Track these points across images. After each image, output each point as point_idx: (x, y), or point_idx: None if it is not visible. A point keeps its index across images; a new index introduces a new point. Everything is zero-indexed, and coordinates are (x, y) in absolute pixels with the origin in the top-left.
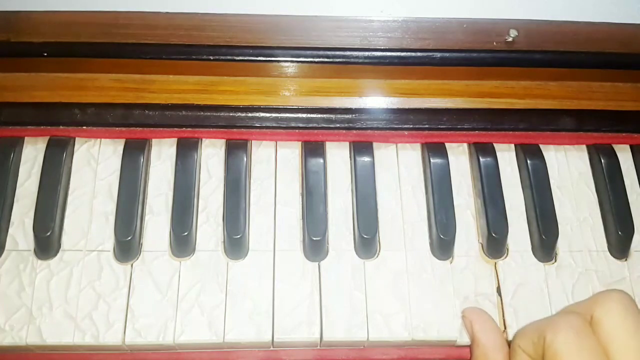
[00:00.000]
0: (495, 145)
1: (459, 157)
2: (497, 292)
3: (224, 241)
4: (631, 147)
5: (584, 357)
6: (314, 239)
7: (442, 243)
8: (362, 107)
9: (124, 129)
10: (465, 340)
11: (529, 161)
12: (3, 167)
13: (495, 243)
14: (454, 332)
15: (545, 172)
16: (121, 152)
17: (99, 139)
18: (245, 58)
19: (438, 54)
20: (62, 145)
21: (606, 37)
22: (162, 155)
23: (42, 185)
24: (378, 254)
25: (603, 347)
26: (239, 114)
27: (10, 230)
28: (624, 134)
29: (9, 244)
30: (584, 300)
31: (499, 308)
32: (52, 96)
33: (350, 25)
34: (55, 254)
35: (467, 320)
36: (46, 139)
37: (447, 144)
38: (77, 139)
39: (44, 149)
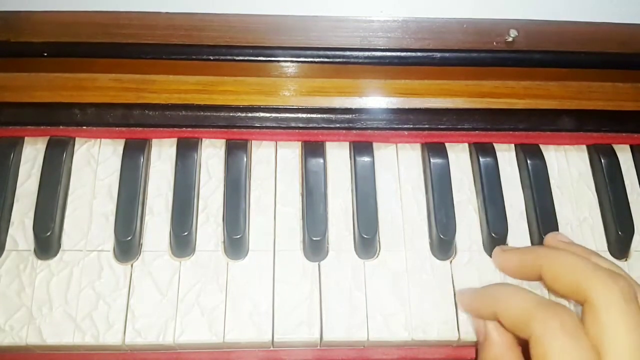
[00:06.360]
0: (495, 145)
1: (459, 154)
2: None
3: (224, 241)
4: (631, 147)
5: None
6: (314, 239)
7: (442, 243)
8: (362, 107)
9: (124, 129)
10: (464, 340)
11: (529, 161)
12: (3, 167)
13: (495, 243)
14: (454, 332)
15: (545, 172)
16: (121, 152)
17: (99, 139)
18: (246, 58)
19: (438, 54)
20: (62, 145)
21: (606, 37)
22: (162, 155)
23: (42, 185)
24: (378, 254)
25: (594, 340)
26: (239, 114)
27: (10, 230)
28: (624, 134)
29: (9, 244)
30: (580, 260)
31: None
32: (52, 96)
33: (350, 25)
34: (55, 254)
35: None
36: (46, 139)
37: (447, 144)
38: (77, 139)
39: (44, 149)
